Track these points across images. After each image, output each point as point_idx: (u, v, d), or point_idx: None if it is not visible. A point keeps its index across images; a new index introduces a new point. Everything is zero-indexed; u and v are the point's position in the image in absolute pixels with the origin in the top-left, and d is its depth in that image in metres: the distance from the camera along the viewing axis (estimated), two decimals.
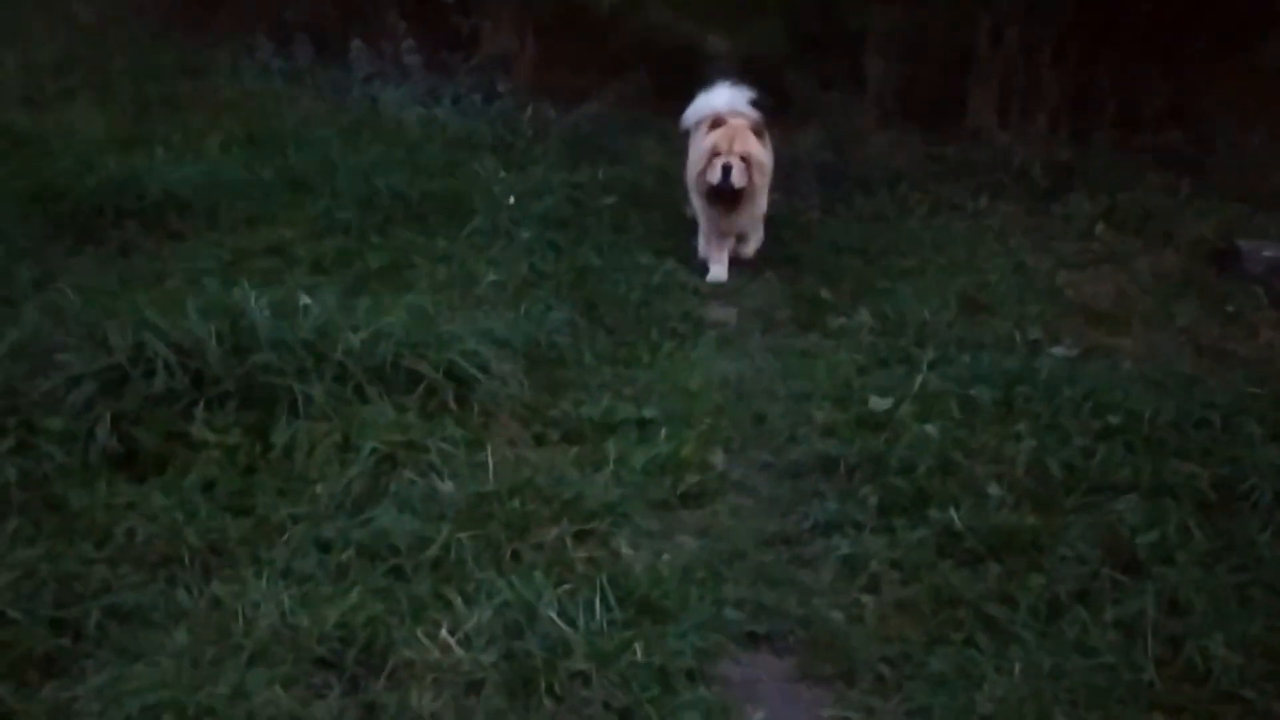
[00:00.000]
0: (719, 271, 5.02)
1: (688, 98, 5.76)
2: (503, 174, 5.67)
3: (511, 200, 5.27)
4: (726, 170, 4.78)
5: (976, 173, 6.07)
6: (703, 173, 4.88)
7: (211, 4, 8.09)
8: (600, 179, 5.96)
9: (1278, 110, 6.13)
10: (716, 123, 4.89)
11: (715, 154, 4.83)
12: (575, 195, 5.59)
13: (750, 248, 5.21)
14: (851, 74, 6.91)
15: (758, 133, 4.89)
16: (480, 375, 3.48)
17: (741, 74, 5.76)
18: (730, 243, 5.11)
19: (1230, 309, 4.63)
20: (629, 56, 8.13)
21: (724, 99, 5.23)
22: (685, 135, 5.44)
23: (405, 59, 7.10)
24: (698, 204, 5.08)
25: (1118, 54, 6.45)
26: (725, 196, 4.87)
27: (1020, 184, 5.97)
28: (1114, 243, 5.32)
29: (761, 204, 5.08)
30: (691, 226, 5.22)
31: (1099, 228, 5.44)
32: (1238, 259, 4.95)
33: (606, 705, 2.33)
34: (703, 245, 5.11)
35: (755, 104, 5.24)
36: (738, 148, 4.81)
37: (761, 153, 4.89)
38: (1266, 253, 4.91)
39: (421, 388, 3.39)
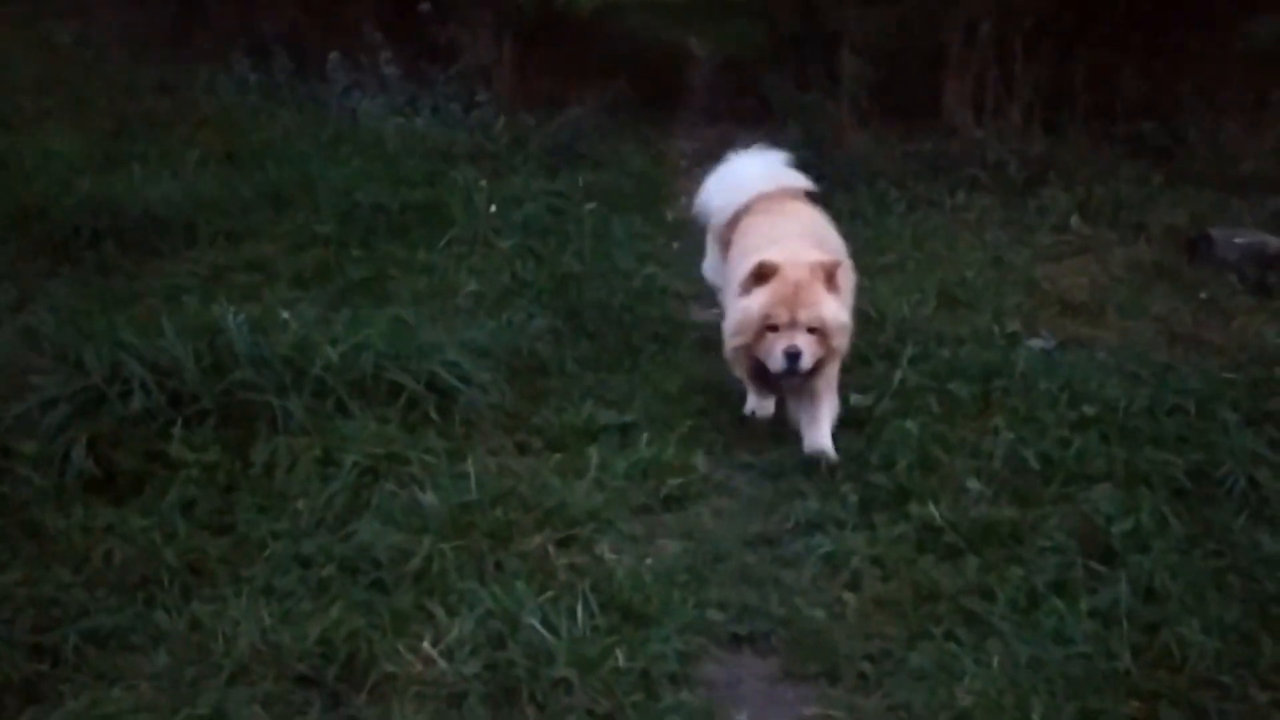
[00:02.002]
0: (758, 404, 3.58)
1: (668, 104, 5.71)
2: (483, 183, 5.67)
3: (492, 209, 5.28)
4: (793, 357, 3.21)
5: (953, 168, 6.12)
6: (748, 348, 3.32)
7: (187, 21, 8.10)
8: (581, 186, 5.97)
9: (1248, 99, 6.18)
10: (764, 273, 3.25)
11: (770, 327, 3.24)
12: (556, 203, 5.61)
13: (823, 424, 3.38)
14: (829, 74, 6.95)
15: (829, 276, 3.29)
16: (462, 385, 3.49)
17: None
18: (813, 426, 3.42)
19: (1204, 296, 4.66)
20: (608, 63, 8.17)
21: (758, 172, 3.83)
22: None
23: (384, 70, 7.11)
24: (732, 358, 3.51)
25: (1089, 48, 6.50)
26: (789, 384, 3.35)
27: (996, 178, 6.02)
28: (1089, 234, 5.36)
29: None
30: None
31: (1074, 219, 5.49)
32: (1211, 247, 4.99)
33: (589, 712, 2.33)
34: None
35: (803, 171, 3.91)
36: (805, 317, 3.21)
37: (839, 314, 3.29)
38: (1239, 240, 4.95)
39: (403, 399, 3.39)
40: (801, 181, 3.85)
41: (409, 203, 5.30)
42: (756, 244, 3.44)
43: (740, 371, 3.48)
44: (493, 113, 6.87)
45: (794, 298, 3.22)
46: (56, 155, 5.57)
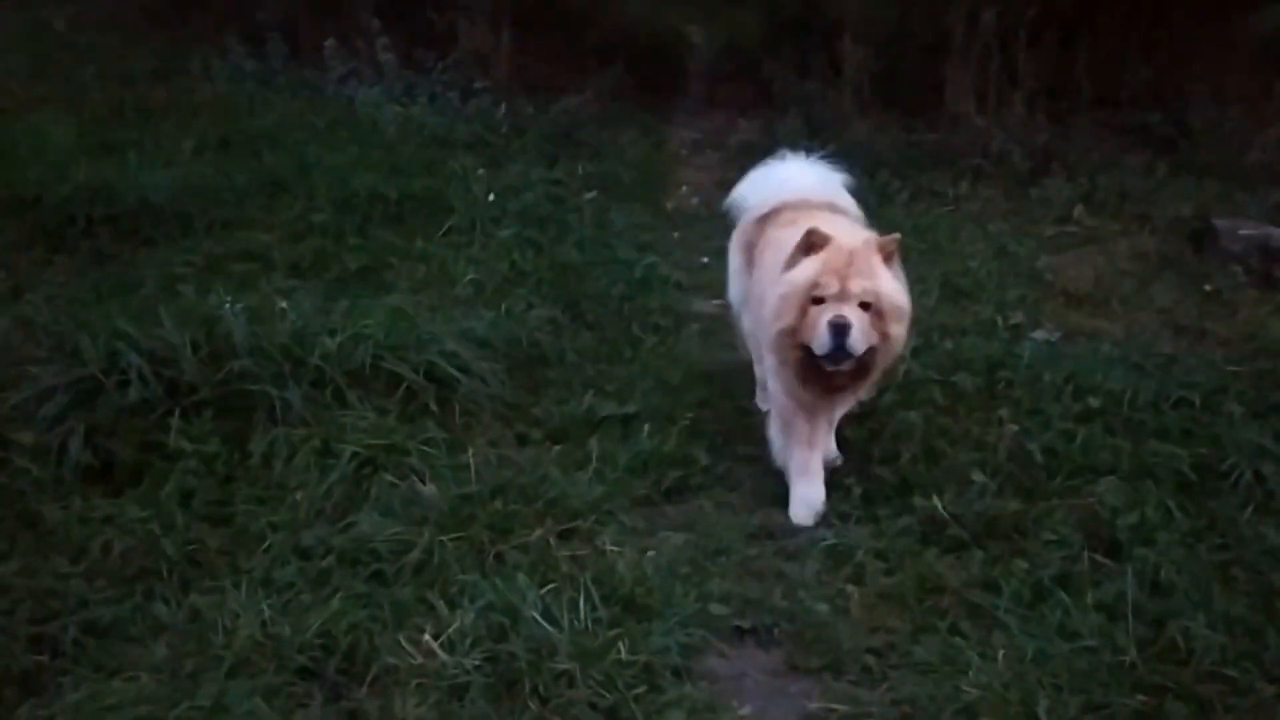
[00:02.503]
0: (809, 497, 3.08)
1: (667, 91, 5.64)
2: (481, 171, 5.64)
3: (491, 198, 5.24)
4: (840, 329, 2.81)
5: (956, 158, 6.08)
6: (792, 331, 2.91)
7: (182, 7, 8.03)
8: (580, 174, 5.94)
9: (1253, 89, 6.15)
10: (814, 242, 2.89)
11: (816, 300, 2.85)
12: (555, 191, 5.57)
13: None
14: (830, 62, 6.91)
15: (888, 254, 2.94)
16: (461, 376, 3.47)
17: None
18: (826, 437, 3.20)
19: (1208, 288, 4.65)
20: (607, 50, 8.11)
21: (798, 177, 3.40)
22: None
23: (380, 57, 7.06)
24: (773, 371, 3.15)
25: (1094, 36, 6.47)
26: (839, 372, 2.92)
27: (999, 168, 5.98)
28: (1093, 225, 5.34)
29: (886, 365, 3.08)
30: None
31: (1078, 210, 5.47)
32: (1215, 238, 4.96)
33: (592, 705, 2.32)
34: (778, 439, 3.20)
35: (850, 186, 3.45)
36: (857, 286, 2.82)
37: (898, 292, 2.93)
38: (1244, 231, 4.92)
39: (402, 390, 3.37)
40: (851, 206, 3.35)
41: (407, 191, 5.25)
42: (789, 244, 2.98)
43: (786, 371, 3.00)
44: (491, 100, 6.82)
45: (846, 267, 2.82)
46: (51, 142, 5.51)
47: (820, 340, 2.83)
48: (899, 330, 2.92)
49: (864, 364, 2.91)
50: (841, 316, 2.80)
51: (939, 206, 5.66)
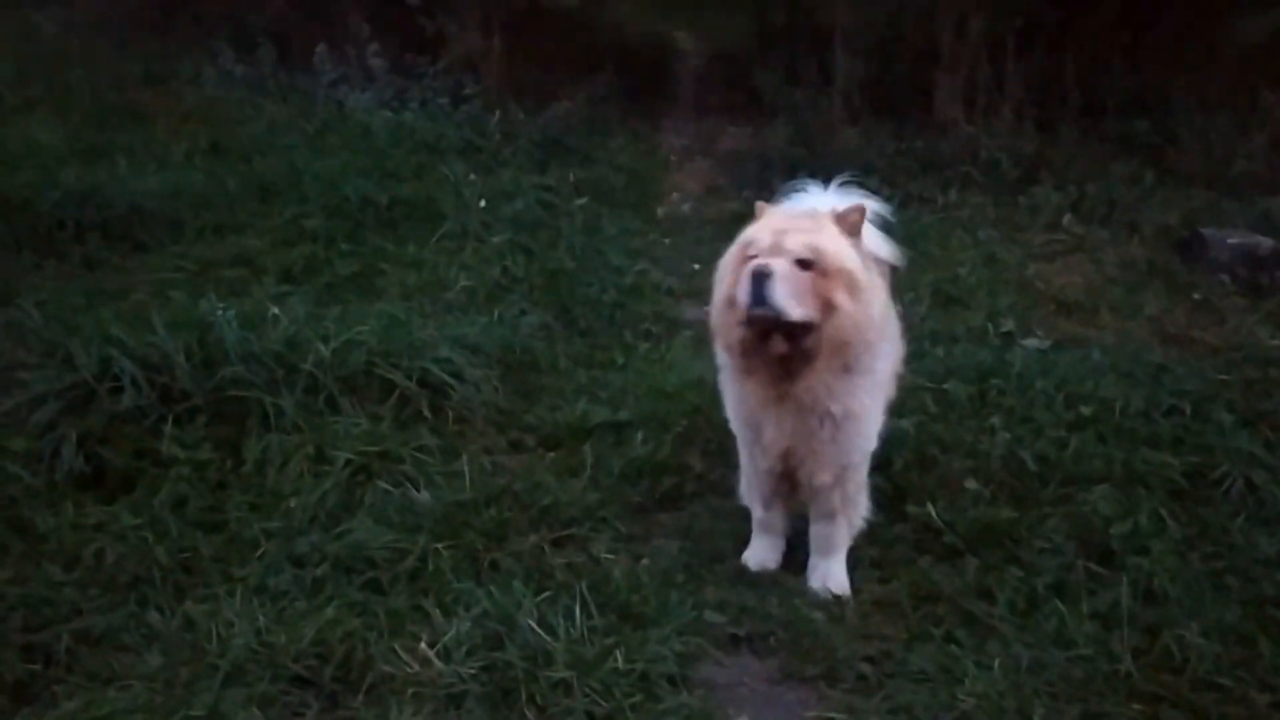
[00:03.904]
0: (757, 554, 2.88)
1: (656, 97, 5.65)
2: (472, 177, 5.65)
3: (482, 204, 5.25)
4: (760, 277, 2.45)
5: (945, 165, 6.13)
6: (732, 299, 2.55)
7: (172, 11, 8.01)
8: (571, 180, 5.95)
9: (1239, 97, 6.21)
10: (760, 213, 2.71)
11: (749, 256, 2.53)
12: (546, 197, 5.59)
13: (838, 551, 2.81)
14: (820, 69, 6.94)
15: (851, 225, 2.60)
16: (454, 382, 3.46)
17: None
18: (780, 510, 2.88)
19: (1197, 296, 4.69)
20: (597, 56, 8.14)
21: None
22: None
23: (371, 63, 7.07)
24: (728, 392, 2.83)
25: (1081, 44, 6.53)
26: (768, 341, 2.52)
27: (988, 176, 6.03)
28: (1081, 233, 5.39)
29: (866, 418, 2.67)
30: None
31: (1066, 218, 5.52)
32: (1203, 247, 5.01)
33: (588, 714, 2.31)
34: (745, 486, 2.96)
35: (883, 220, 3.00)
36: (793, 241, 2.49)
37: (849, 256, 2.54)
38: (1231, 240, 4.97)
39: (395, 396, 3.36)
40: (884, 250, 2.89)
41: (398, 197, 5.26)
42: None
43: (732, 358, 2.65)
44: (481, 106, 6.84)
45: (785, 226, 2.54)
46: (40, 146, 5.50)
47: (742, 292, 2.48)
48: (849, 303, 2.49)
49: (805, 345, 2.51)
50: (764, 265, 2.45)
51: (928, 214, 5.70)
